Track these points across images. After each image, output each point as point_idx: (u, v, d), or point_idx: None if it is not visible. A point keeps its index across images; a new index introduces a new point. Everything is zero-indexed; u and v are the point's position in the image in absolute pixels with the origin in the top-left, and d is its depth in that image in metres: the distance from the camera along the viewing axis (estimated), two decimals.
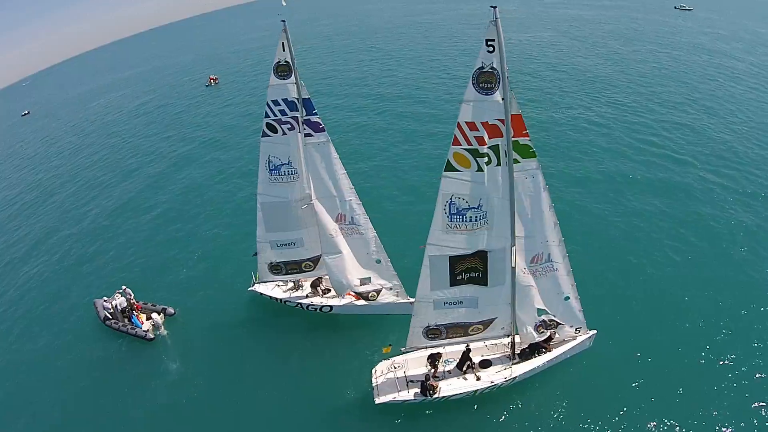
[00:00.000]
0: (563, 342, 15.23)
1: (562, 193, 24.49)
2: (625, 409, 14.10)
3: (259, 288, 19.73)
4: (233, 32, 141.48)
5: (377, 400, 14.40)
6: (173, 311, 20.56)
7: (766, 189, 23.88)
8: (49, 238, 31.03)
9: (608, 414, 14.02)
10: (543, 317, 14.61)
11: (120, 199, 34.60)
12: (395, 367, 15.18)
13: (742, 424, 13.34)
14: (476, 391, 14.52)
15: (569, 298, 14.47)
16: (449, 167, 11.86)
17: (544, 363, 14.97)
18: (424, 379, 14.39)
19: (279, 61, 15.35)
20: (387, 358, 15.36)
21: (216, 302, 20.93)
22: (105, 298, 21.00)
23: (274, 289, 19.58)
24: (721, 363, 15.09)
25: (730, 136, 29.74)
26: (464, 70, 50.36)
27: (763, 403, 13.77)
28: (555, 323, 14.83)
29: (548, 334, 14.97)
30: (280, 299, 19.26)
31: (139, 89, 79.24)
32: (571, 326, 15.00)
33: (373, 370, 15.22)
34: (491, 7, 10.41)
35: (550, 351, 15.16)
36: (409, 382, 14.78)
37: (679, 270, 19.18)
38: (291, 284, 19.66)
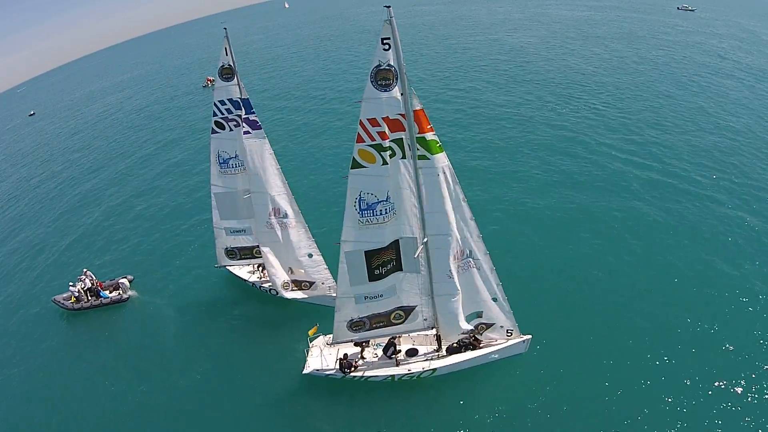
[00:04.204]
0: (494, 343, 15.32)
1: (508, 199, 24.86)
2: (548, 416, 13.95)
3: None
4: (230, 35, 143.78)
5: (304, 371, 15.54)
6: (131, 277, 23.21)
7: (723, 194, 23.67)
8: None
9: (536, 419, 13.95)
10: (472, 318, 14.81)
11: (76, 194, 37.07)
12: (329, 344, 15.93)
13: (680, 425, 13.30)
14: (393, 376, 14.97)
15: (497, 299, 14.57)
16: (355, 164, 12.25)
17: (468, 359, 15.14)
18: (342, 356, 15.22)
19: (223, 65, 16.43)
20: (323, 335, 16.27)
21: (183, 274, 23.34)
22: (71, 284, 22.35)
23: (242, 268, 21.12)
24: (658, 369, 14.91)
25: (702, 140, 29.54)
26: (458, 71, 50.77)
27: (700, 402, 13.79)
28: (484, 324, 14.99)
29: (474, 331, 15.05)
30: (242, 278, 20.89)
31: (138, 91, 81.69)
32: (502, 327, 15.10)
33: (311, 345, 16.19)
34: (385, 6, 10.80)
35: (480, 349, 15.29)
36: (338, 359, 15.60)
37: (621, 275, 19.02)
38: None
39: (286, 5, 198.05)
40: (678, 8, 77.82)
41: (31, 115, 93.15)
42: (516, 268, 19.43)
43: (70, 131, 64.22)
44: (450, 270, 13.73)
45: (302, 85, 57.62)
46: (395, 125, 11.83)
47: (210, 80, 68.73)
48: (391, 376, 15.00)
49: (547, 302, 17.83)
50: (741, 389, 13.97)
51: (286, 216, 16.98)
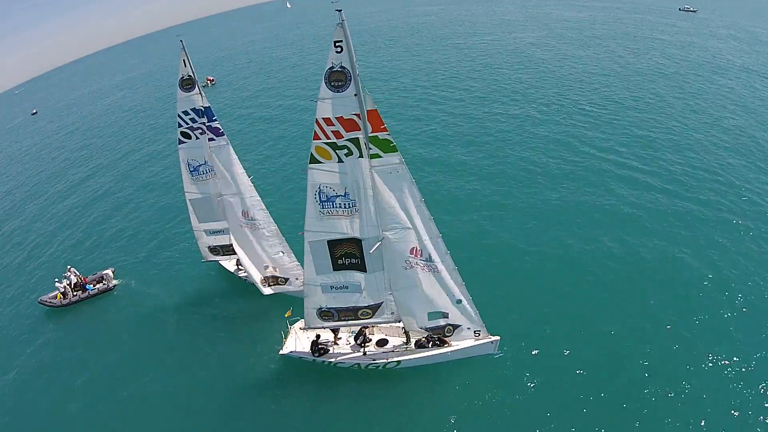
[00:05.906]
0: (462, 342, 15.47)
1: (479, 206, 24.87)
2: (508, 413, 14.23)
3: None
4: (229, 35, 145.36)
5: (280, 352, 16.62)
6: (114, 269, 24.39)
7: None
8: None
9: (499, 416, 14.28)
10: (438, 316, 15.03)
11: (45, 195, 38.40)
12: (302, 329, 16.61)
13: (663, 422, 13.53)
14: (359, 364, 15.60)
15: (461, 300, 14.66)
16: (313, 160, 12.75)
17: (434, 355, 15.47)
18: (315, 338, 16.04)
19: (183, 77, 16.88)
20: (297, 319, 16.91)
21: (166, 261, 24.60)
22: (56, 280, 22.96)
23: (230, 261, 21.84)
24: (640, 366, 15.11)
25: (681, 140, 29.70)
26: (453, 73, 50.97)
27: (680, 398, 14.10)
28: (451, 325, 15.14)
29: (440, 330, 15.26)
30: (230, 270, 21.96)
31: (137, 90, 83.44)
32: (469, 328, 15.26)
33: (290, 327, 16.99)
34: (337, 10, 11.23)
35: (447, 346, 15.54)
36: (312, 341, 16.37)
37: (600, 274, 19.26)
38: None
39: (288, 5, 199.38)
40: (680, 9, 77.35)
41: (34, 113, 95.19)
42: (486, 268, 19.80)
43: (68, 130, 65.45)
44: (406, 263, 13.95)
45: (290, 84, 58.50)
46: (350, 125, 12.23)
47: (209, 80, 69.66)
48: (357, 363, 15.64)
49: (520, 303, 18.02)
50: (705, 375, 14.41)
51: (254, 218, 17.54)
